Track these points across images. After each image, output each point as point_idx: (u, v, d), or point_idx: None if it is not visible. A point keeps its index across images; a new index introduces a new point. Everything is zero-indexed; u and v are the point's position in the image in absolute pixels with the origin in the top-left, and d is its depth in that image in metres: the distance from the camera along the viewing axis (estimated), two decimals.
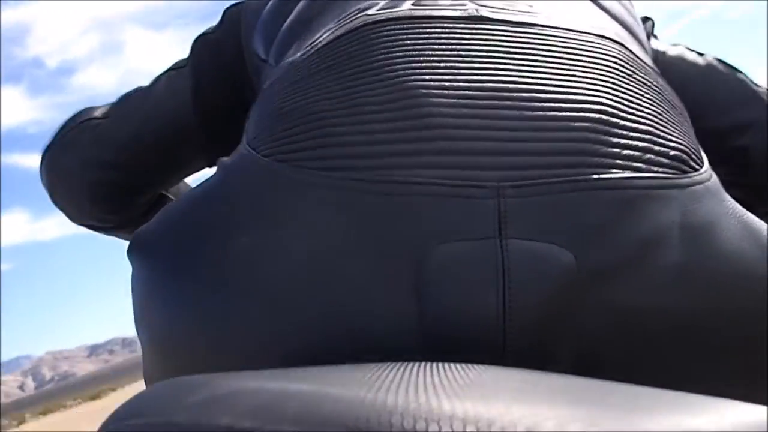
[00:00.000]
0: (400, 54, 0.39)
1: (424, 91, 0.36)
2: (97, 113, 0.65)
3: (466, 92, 0.36)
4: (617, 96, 0.38)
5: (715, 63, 0.63)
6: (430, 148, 0.35)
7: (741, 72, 0.62)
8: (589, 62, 0.39)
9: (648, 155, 0.36)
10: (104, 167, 0.63)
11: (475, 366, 0.29)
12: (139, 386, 0.37)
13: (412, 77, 0.37)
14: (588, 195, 0.34)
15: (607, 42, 0.42)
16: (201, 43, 0.66)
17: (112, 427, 0.27)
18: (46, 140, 0.66)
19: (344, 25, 0.43)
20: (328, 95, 0.38)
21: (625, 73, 0.40)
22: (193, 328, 0.38)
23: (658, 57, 0.59)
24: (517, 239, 0.33)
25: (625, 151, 0.35)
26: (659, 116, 0.39)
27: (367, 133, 0.36)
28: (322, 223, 0.35)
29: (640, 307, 0.34)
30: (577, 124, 0.36)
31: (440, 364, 0.29)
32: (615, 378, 0.29)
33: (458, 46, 0.39)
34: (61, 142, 0.64)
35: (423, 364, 0.29)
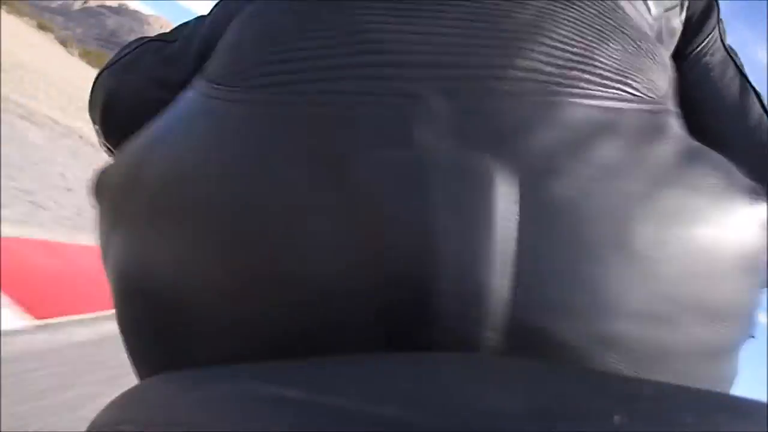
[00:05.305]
0: None
1: (368, 17, 0.37)
2: (161, 37, 0.63)
3: (410, 14, 0.37)
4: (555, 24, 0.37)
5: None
6: (360, 61, 0.35)
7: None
8: None
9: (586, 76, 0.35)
10: (171, 87, 0.61)
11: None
12: None
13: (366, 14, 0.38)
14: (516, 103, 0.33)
15: None
16: None
17: None
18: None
19: None
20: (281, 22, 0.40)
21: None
22: (131, 260, 0.37)
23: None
24: (445, 152, 0.31)
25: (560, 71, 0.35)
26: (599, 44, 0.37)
27: (307, 50, 0.36)
28: (244, 134, 0.35)
29: None
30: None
31: (425, 357, 0.29)
32: None
33: None
34: (125, 60, 0.63)
35: (409, 356, 0.28)
